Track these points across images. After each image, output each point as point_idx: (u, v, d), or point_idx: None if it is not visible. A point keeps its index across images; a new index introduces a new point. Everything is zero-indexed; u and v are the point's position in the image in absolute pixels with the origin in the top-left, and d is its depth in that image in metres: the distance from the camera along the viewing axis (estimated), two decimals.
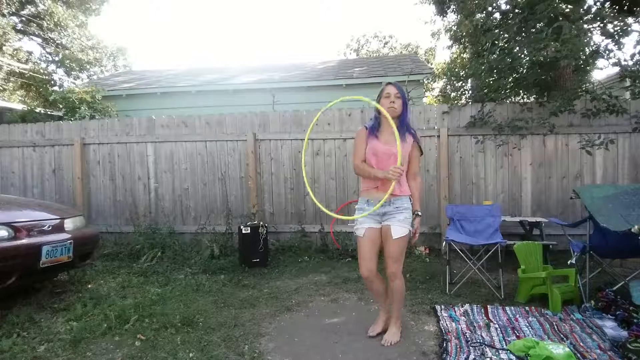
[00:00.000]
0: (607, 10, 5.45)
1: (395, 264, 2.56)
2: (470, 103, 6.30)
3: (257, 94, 8.73)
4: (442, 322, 3.00)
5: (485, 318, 3.08)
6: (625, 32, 4.89)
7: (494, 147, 5.26)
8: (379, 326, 2.80)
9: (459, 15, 7.65)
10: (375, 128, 2.66)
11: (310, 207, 5.64)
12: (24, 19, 17.05)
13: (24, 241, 3.21)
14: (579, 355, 2.42)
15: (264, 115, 5.81)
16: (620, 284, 3.33)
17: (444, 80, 14.98)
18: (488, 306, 3.32)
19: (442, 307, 3.31)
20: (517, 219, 4.83)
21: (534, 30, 5.34)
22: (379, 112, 2.58)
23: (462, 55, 12.62)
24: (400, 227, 2.53)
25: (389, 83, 2.65)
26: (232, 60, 40.02)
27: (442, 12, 8.76)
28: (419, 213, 2.65)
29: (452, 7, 8.10)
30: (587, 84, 7.29)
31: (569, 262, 3.43)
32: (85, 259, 4.06)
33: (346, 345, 2.68)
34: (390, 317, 2.76)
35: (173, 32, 49.99)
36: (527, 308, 3.28)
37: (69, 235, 3.62)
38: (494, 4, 6.22)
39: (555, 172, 5.21)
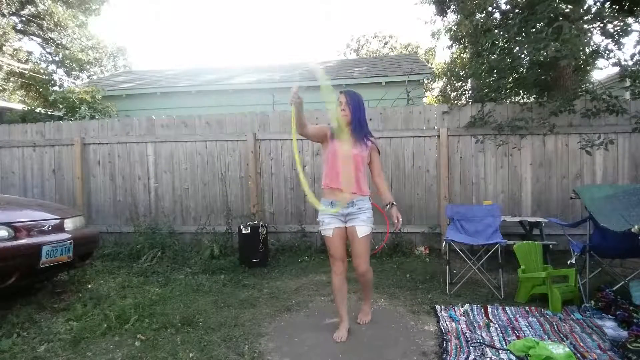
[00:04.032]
0: (607, 10, 5.45)
1: (364, 262, 2.77)
2: (470, 103, 6.31)
3: (257, 94, 8.73)
4: (442, 322, 3.00)
5: (485, 318, 3.08)
6: (625, 32, 4.89)
7: (494, 147, 5.26)
8: (345, 330, 2.82)
9: (459, 15, 7.65)
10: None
11: (310, 207, 5.63)
12: (24, 19, 17.05)
13: (24, 241, 3.21)
14: (579, 355, 2.42)
15: (264, 115, 5.80)
16: (620, 284, 3.32)
17: (444, 80, 14.97)
18: (488, 306, 3.32)
19: (442, 307, 3.31)
20: (517, 219, 4.83)
21: (534, 30, 5.34)
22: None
23: (462, 55, 12.61)
24: (364, 227, 2.72)
25: (341, 92, 2.81)
26: (232, 60, 40.08)
27: (442, 12, 8.76)
28: (394, 203, 2.78)
29: (452, 7, 8.10)
30: (587, 84, 7.29)
31: (569, 262, 3.44)
32: (85, 259, 4.06)
33: (346, 345, 2.68)
34: (363, 301, 3.10)
35: (173, 32, 50.02)
36: (527, 308, 3.28)
37: (69, 235, 3.61)
38: (494, 4, 6.23)
39: (555, 172, 5.21)
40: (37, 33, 17.43)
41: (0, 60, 15.01)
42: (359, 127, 2.77)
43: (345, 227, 2.77)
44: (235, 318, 3.16)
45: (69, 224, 3.77)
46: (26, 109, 8.96)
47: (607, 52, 5.06)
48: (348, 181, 2.69)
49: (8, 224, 3.19)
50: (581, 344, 2.59)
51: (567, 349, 2.39)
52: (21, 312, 3.26)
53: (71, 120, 7.44)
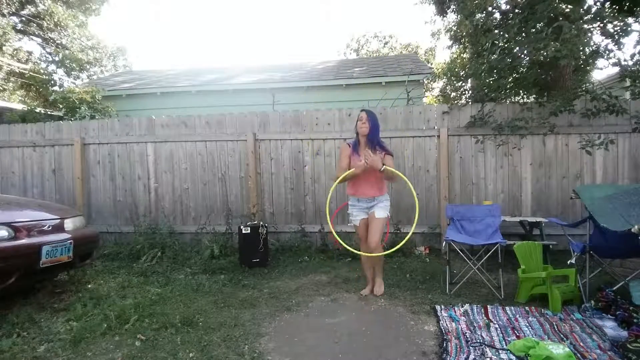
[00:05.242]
0: (607, 10, 5.45)
1: (375, 239, 3.50)
2: (470, 103, 6.31)
3: (257, 94, 8.73)
4: (442, 322, 3.00)
5: (485, 318, 3.08)
6: (625, 32, 4.89)
7: (494, 147, 5.26)
8: (369, 289, 3.73)
9: (459, 15, 7.66)
10: (356, 146, 3.61)
11: (310, 207, 5.64)
12: (24, 19, 17.05)
13: (24, 241, 3.21)
14: (579, 355, 2.42)
15: (264, 115, 5.80)
16: (620, 284, 3.33)
17: (444, 80, 14.97)
18: (488, 306, 3.32)
19: (442, 307, 3.31)
20: (517, 219, 4.83)
21: (534, 30, 5.34)
22: (357, 133, 3.62)
23: (462, 55, 12.61)
24: (381, 211, 3.56)
25: (362, 110, 3.65)
26: (232, 60, 40.10)
27: (442, 12, 8.77)
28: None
29: (452, 7, 8.11)
30: (587, 84, 7.29)
31: (569, 262, 3.43)
32: (85, 259, 4.06)
33: (346, 345, 2.68)
34: (375, 278, 3.72)
35: (173, 32, 50.03)
36: (527, 308, 3.28)
37: (69, 235, 3.62)
38: (494, 4, 6.23)
39: (555, 172, 5.21)
40: (37, 33, 17.42)
41: (0, 60, 15.00)
42: (374, 140, 3.54)
43: (368, 216, 3.59)
44: (235, 318, 3.16)
45: (69, 224, 3.77)
46: (26, 109, 8.95)
47: (607, 52, 5.06)
48: (370, 187, 3.53)
49: (8, 224, 3.19)
50: (581, 344, 2.59)
51: (567, 349, 2.39)
52: (21, 312, 3.25)
53: (71, 120, 7.44)
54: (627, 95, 5.72)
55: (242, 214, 5.64)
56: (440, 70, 15.31)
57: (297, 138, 5.63)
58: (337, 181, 3.59)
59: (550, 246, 4.37)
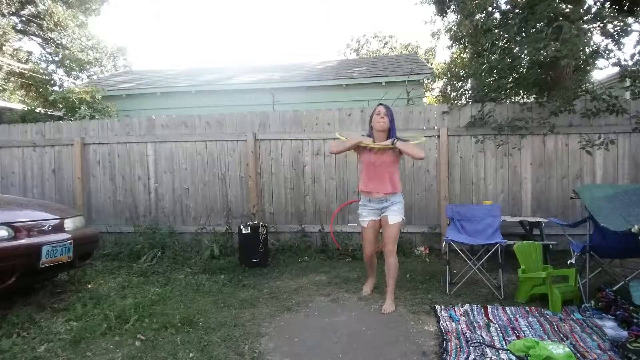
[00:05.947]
0: (607, 10, 5.45)
1: (391, 244, 3.32)
2: (470, 103, 6.30)
3: (257, 94, 8.72)
4: (442, 322, 3.00)
5: (485, 318, 3.08)
6: (625, 32, 4.89)
7: (494, 147, 5.26)
8: (369, 288, 3.69)
9: (459, 15, 7.65)
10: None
11: (310, 207, 5.64)
12: (24, 19, 17.04)
13: (24, 241, 3.22)
14: (579, 355, 2.42)
15: (264, 115, 5.80)
16: (620, 284, 3.33)
17: (444, 80, 14.96)
18: (488, 306, 3.32)
19: (442, 307, 3.31)
20: (517, 219, 4.83)
21: (534, 30, 5.34)
22: (371, 128, 3.47)
23: (462, 55, 12.60)
24: (395, 216, 3.32)
25: (380, 104, 3.49)
26: (232, 60, 40.05)
27: (442, 12, 8.76)
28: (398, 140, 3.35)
29: (452, 7, 8.09)
30: (587, 84, 7.28)
31: (568, 262, 3.44)
32: (85, 259, 4.06)
33: (346, 345, 2.68)
34: (386, 292, 3.39)
35: (173, 32, 50.01)
36: (527, 308, 3.28)
37: (69, 235, 3.62)
38: (494, 4, 6.22)
39: (555, 172, 5.21)
40: (37, 33, 17.41)
41: (0, 60, 15.00)
42: (392, 135, 3.40)
43: (380, 218, 3.38)
44: (235, 318, 3.16)
45: (69, 224, 3.77)
46: (26, 109, 8.94)
47: (607, 52, 5.06)
48: (382, 181, 3.33)
49: (8, 224, 3.19)
50: (581, 344, 2.59)
51: (567, 349, 2.39)
52: (21, 312, 3.25)
53: (71, 120, 7.44)
54: (627, 95, 5.71)
55: (242, 214, 5.65)
56: (440, 70, 15.29)
57: (297, 138, 5.63)
58: (332, 146, 3.56)
59: (550, 246, 4.37)
